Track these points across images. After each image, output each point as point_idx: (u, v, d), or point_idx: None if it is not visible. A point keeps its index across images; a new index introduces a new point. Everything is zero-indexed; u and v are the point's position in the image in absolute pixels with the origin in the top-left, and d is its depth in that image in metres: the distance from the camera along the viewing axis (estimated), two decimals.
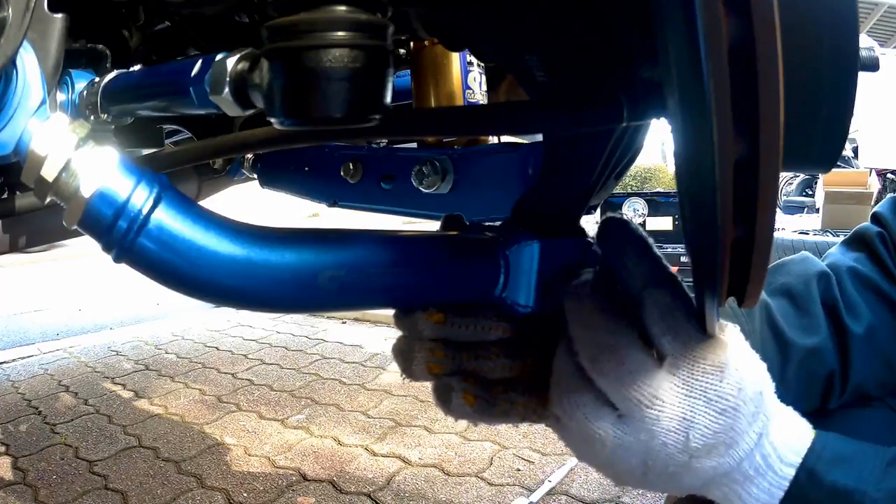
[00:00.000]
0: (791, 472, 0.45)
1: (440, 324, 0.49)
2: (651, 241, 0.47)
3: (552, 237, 0.52)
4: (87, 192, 0.38)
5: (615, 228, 0.47)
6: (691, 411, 0.43)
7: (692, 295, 0.46)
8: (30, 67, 0.40)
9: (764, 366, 0.46)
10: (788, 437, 0.46)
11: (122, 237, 0.38)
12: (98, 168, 0.38)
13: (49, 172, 0.38)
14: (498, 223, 0.58)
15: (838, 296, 0.71)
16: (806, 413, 0.70)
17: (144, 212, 0.38)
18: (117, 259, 0.40)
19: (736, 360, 0.44)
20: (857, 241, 0.77)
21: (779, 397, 0.69)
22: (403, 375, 0.51)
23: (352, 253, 0.44)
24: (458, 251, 0.49)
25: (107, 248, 0.39)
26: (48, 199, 0.40)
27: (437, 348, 0.50)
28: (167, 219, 0.39)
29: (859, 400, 0.72)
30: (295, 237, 0.43)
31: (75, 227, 0.39)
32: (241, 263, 0.41)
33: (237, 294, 0.42)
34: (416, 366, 0.50)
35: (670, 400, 0.43)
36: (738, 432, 0.43)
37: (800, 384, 0.68)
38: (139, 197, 0.38)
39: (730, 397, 0.43)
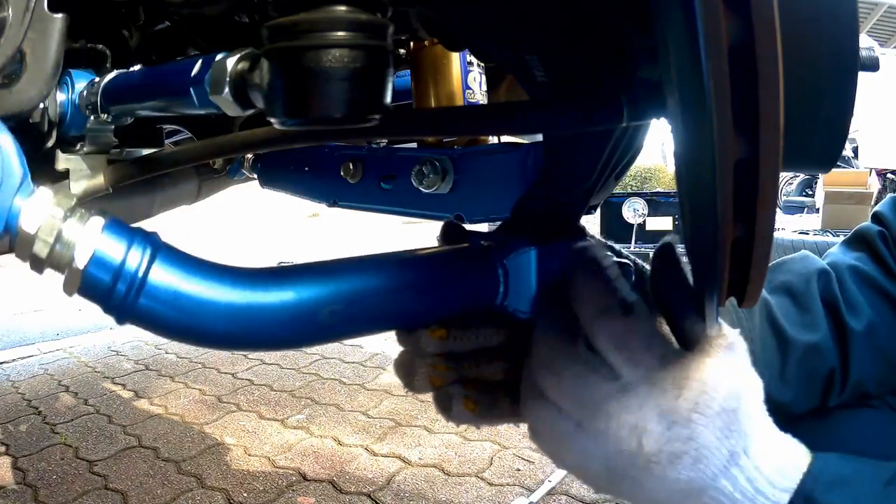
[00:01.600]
0: (785, 498, 0.44)
1: (443, 339, 0.50)
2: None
3: (552, 238, 0.52)
4: (81, 262, 0.38)
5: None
6: (643, 420, 0.43)
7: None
8: (6, 146, 0.40)
9: (753, 384, 0.45)
10: (780, 461, 0.45)
11: (122, 300, 0.39)
12: (89, 236, 0.39)
13: (41, 249, 0.38)
14: (496, 226, 0.58)
15: (838, 293, 0.71)
16: (807, 411, 0.70)
17: (140, 273, 0.39)
18: (120, 321, 0.40)
19: (706, 376, 0.43)
20: (857, 241, 0.77)
21: (779, 394, 0.68)
22: (406, 389, 0.53)
23: (349, 285, 0.45)
24: (456, 267, 0.50)
25: (108, 311, 0.40)
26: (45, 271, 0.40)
27: (439, 362, 0.51)
28: (164, 276, 0.40)
29: (859, 398, 0.72)
30: (291, 276, 0.44)
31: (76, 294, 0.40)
32: (242, 310, 0.42)
33: (242, 339, 0.43)
34: (419, 380, 0.51)
35: (616, 411, 0.43)
36: (702, 445, 0.42)
37: (800, 381, 0.68)
38: (133, 259, 0.39)
39: (683, 410, 0.42)
